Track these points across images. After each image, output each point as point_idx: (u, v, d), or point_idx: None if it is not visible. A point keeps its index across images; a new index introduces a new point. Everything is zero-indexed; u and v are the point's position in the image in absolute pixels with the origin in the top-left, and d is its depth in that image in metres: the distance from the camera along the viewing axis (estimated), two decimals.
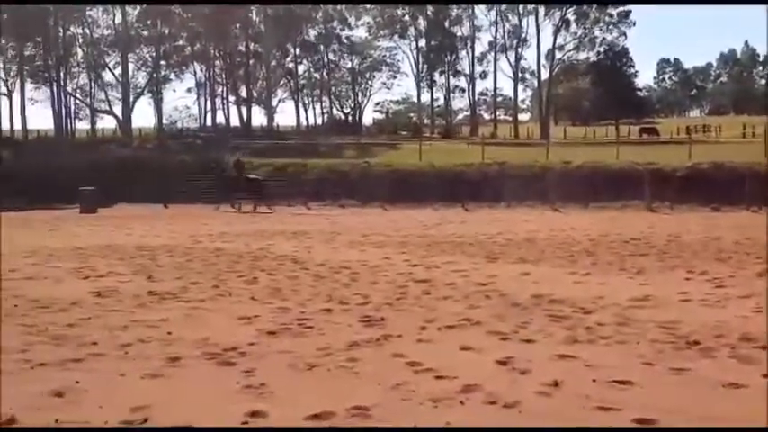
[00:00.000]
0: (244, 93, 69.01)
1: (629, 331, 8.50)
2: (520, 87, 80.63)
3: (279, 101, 72.65)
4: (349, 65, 76.54)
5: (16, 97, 59.08)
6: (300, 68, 73.55)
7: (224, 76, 69.51)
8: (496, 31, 75.05)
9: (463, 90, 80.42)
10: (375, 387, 6.46)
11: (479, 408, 5.94)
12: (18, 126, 58.55)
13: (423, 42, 75.07)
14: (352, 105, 79.51)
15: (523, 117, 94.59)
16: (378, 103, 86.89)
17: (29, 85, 59.74)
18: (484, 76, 79.27)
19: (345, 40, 74.44)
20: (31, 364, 7.34)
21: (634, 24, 78.36)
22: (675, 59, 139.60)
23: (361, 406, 5.90)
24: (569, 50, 77.20)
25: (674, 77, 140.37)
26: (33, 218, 28.77)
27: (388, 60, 78.04)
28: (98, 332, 8.69)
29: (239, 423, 5.62)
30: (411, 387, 6.43)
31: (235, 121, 68.42)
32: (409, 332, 8.57)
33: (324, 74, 74.83)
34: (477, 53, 77.36)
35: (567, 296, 10.75)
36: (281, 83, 72.43)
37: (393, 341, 8.17)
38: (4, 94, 58.41)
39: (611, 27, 76.42)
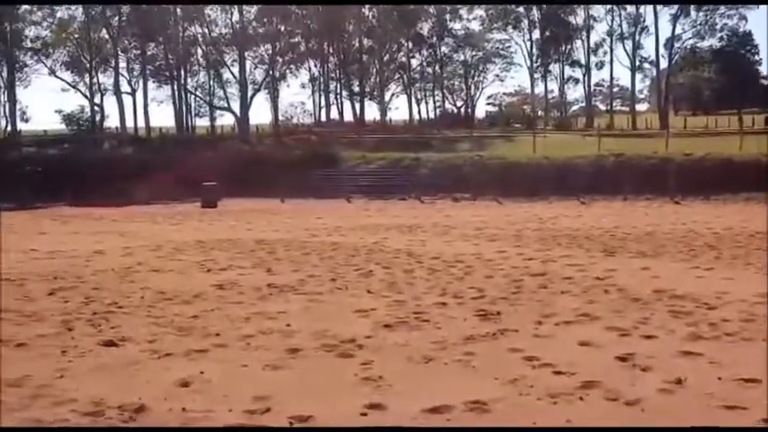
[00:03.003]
0: (357, 88, 69.61)
1: (756, 328, 8.20)
2: (638, 77, 78.63)
3: (392, 95, 73.04)
4: (462, 58, 76.24)
5: (139, 96, 61.19)
6: (413, 62, 73.69)
7: (338, 71, 70.27)
8: (612, 19, 73.38)
9: (578, 81, 79.00)
10: (492, 382, 6.44)
11: (600, 404, 5.84)
12: (141, 123, 60.68)
13: (537, 33, 74.10)
14: (465, 98, 79.18)
15: (641, 107, 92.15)
16: (490, 96, 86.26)
17: (151, 84, 61.79)
18: (600, 66, 77.61)
19: (458, 33, 74.16)
20: (158, 354, 7.61)
21: (758, 6, 75.06)
22: None
23: (478, 400, 5.89)
24: (689, 38, 74.83)
25: None
26: (157, 212, 29.77)
27: (502, 52, 77.34)
28: (221, 324, 8.94)
29: (358, 414, 5.69)
30: (529, 382, 6.38)
31: (348, 116, 69.14)
32: (526, 327, 8.50)
33: (436, 67, 74.74)
34: (592, 43, 75.87)
35: (690, 291, 10.46)
36: (395, 77, 72.73)
37: (509, 336, 8.13)
38: (128, 93, 60.54)
39: (731, 10, 73.49)
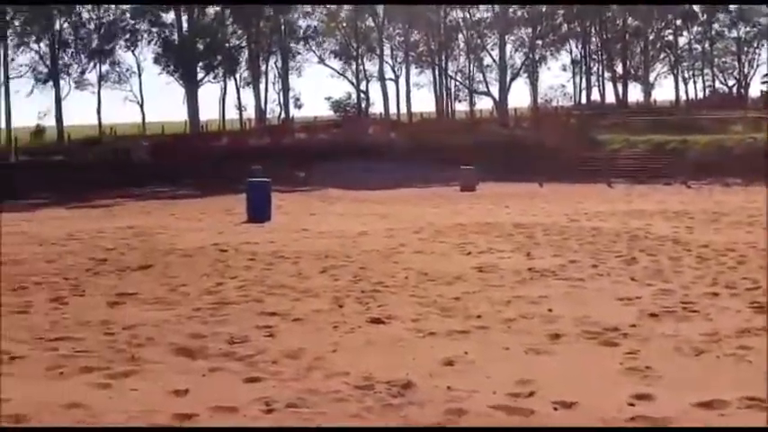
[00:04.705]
0: (620, 69, 67.49)
1: None
2: None
3: (656, 75, 70.02)
4: (735, 34, 71.69)
5: (401, 82, 62.83)
6: (680, 40, 70.26)
7: (600, 52, 68.47)
8: None
9: None
10: None
11: None
12: (403, 109, 62.29)
13: None
14: (738, 77, 74.44)
15: None
16: (767, 74, 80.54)
17: (413, 70, 63.19)
18: None
19: (732, 8, 69.77)
20: (422, 333, 7.83)
21: None
22: None
23: (755, 397, 5.57)
24: None
25: None
26: (417, 195, 30.49)
27: None
28: (482, 306, 9.04)
29: (625, 404, 5.54)
30: None
31: (610, 98, 67.18)
32: None
33: (706, 45, 70.83)
34: None
35: None
36: (660, 56, 69.72)
37: None
38: (392, 79, 62.35)
39: None
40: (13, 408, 5.63)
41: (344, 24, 60.39)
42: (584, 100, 66.91)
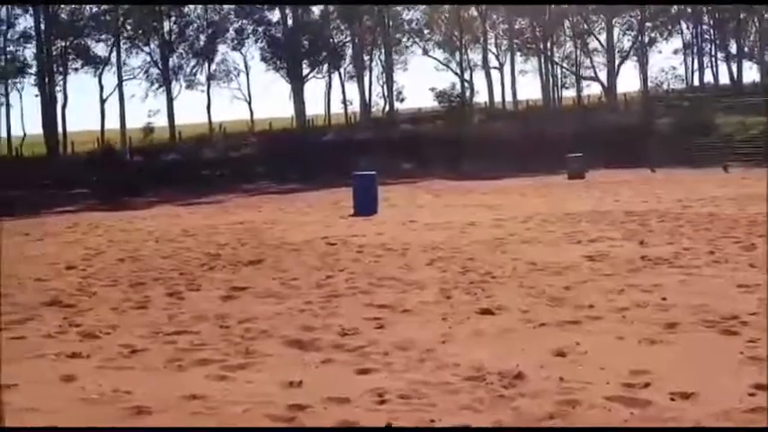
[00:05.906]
0: (734, 49, 65.15)
1: None
2: None
3: None
4: None
5: (506, 70, 62.25)
6: None
7: (712, 32, 66.27)
8: None
9: None
10: None
11: None
12: (509, 98, 61.71)
13: None
14: None
15: None
16: None
17: (518, 58, 62.53)
18: None
19: None
20: (532, 323, 7.75)
21: None
22: None
23: None
24: None
25: None
26: (524, 184, 30.14)
27: None
28: (594, 295, 8.88)
29: (745, 394, 5.36)
30: None
31: (724, 80, 64.94)
32: None
33: None
34: None
35: None
36: None
37: None
38: (496, 68, 61.82)
39: None
40: (134, 400, 5.82)
41: (447, 15, 60.16)
42: (696, 82, 64.94)
